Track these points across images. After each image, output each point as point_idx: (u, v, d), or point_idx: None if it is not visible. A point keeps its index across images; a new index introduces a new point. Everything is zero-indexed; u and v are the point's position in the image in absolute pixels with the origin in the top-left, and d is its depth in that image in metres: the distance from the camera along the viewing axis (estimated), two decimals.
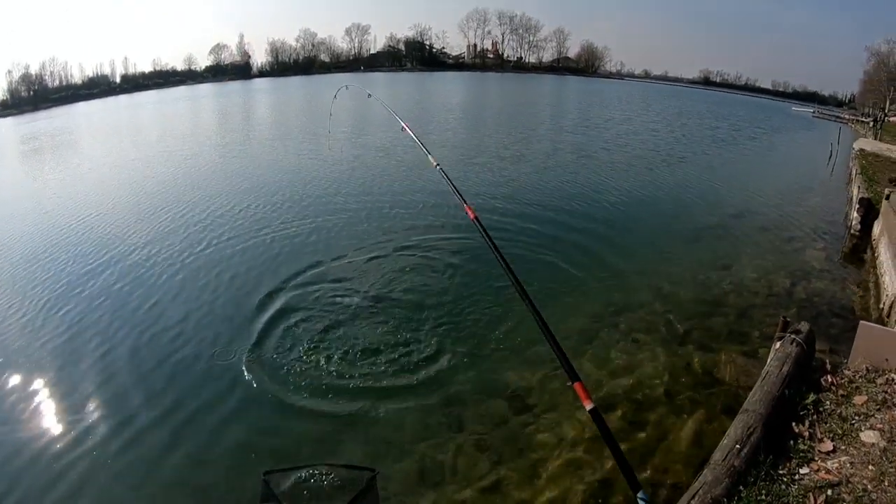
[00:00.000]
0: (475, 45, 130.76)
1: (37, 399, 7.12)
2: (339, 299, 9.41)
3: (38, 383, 7.44)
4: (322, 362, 7.51)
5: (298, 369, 7.35)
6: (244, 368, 7.43)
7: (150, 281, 10.59)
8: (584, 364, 7.52)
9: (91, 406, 6.92)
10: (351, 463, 5.49)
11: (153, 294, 10.01)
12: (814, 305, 9.60)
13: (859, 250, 12.74)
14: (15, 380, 7.59)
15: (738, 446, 4.38)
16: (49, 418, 6.76)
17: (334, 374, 7.26)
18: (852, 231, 13.70)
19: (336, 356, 7.64)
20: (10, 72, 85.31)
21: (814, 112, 69.77)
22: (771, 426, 4.75)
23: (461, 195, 4.57)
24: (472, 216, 4.26)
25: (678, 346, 8.01)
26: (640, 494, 2.70)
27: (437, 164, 5.33)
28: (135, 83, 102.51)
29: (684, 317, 8.87)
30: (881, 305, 9.44)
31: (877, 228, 12.51)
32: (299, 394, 6.87)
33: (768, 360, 6.00)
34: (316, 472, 5.31)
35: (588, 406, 3.09)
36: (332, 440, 6.07)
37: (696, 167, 23.60)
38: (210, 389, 7.13)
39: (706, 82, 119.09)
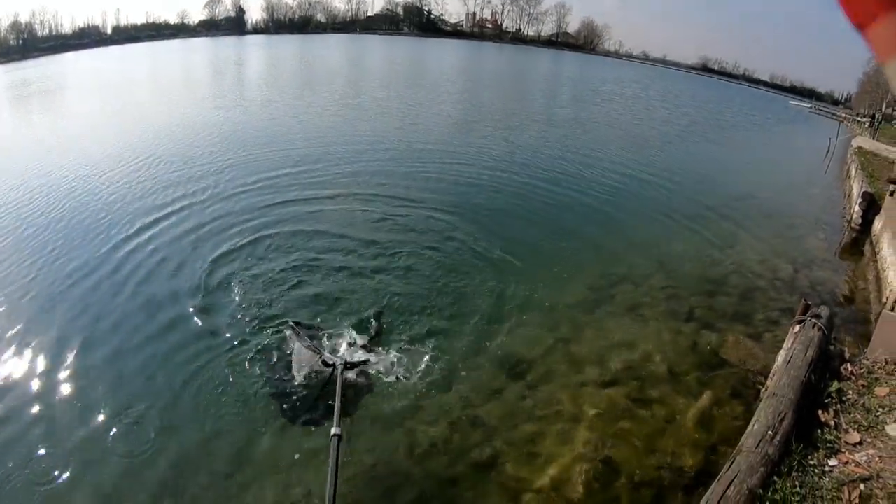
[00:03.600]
0: (474, 14, 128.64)
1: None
2: (326, 258, 8.94)
3: None
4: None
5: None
6: None
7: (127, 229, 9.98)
8: (586, 336, 7.15)
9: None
10: None
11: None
12: (817, 293, 9.31)
13: (859, 244, 12.52)
14: None
15: (770, 433, 4.03)
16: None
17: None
18: (853, 224, 13.47)
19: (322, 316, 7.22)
20: None
21: (811, 108, 69.98)
22: (799, 413, 4.44)
23: None
24: None
25: (683, 322, 7.65)
26: None
27: None
28: (126, 35, 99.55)
29: (688, 293, 8.53)
30: (883, 299, 9.19)
31: (878, 224, 12.31)
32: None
33: (789, 343, 5.68)
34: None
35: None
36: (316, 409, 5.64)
37: (699, 149, 23.42)
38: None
39: (704, 69, 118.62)
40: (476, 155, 16.83)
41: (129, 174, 13.43)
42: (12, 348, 6.43)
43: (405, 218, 10.78)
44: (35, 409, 5.46)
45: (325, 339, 6.52)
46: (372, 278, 8.28)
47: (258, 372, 5.94)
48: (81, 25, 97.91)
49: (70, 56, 73.38)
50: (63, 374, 6.02)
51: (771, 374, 5.60)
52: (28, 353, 6.37)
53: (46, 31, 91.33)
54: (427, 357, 6.40)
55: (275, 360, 6.15)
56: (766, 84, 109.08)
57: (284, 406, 5.52)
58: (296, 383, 5.77)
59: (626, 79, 67.64)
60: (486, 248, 9.65)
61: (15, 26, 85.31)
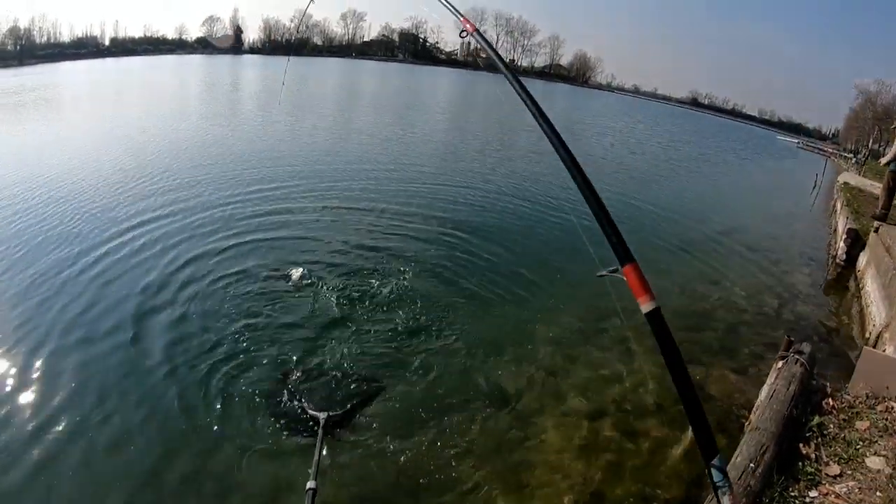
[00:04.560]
0: (468, 44, 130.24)
1: None
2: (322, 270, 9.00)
3: None
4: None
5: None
6: None
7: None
8: (571, 369, 7.25)
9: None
10: None
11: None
12: (801, 328, 9.46)
13: (843, 279, 12.74)
14: None
15: (752, 465, 4.14)
16: None
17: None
18: (838, 260, 13.69)
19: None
20: None
21: (799, 143, 71.10)
22: (780, 446, 4.56)
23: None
24: (470, 28, 3.74)
25: None
26: (714, 462, 2.20)
27: None
28: (123, 47, 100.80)
29: (675, 328, 8.50)
30: (867, 335, 9.37)
31: (863, 259, 12.54)
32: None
33: (772, 378, 5.81)
34: None
35: (646, 306, 2.37)
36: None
37: (684, 182, 23.71)
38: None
39: (694, 103, 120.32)
40: (466, 182, 17.06)
41: (116, 183, 13.91)
42: None
43: (386, 246, 10.78)
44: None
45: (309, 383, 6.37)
46: (354, 309, 8.22)
47: (233, 414, 5.83)
48: (80, 35, 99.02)
49: (67, 65, 73.85)
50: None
51: (754, 409, 5.72)
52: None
53: (45, 39, 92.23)
54: (411, 392, 6.45)
55: (252, 401, 6.04)
56: (754, 119, 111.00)
57: (259, 454, 5.36)
58: (273, 432, 5.65)
59: (617, 112, 68.50)
60: (474, 275, 9.74)
61: (13, 31, 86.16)
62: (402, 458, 5.41)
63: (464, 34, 3.84)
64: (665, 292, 10.11)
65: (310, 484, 4.34)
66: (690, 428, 2.35)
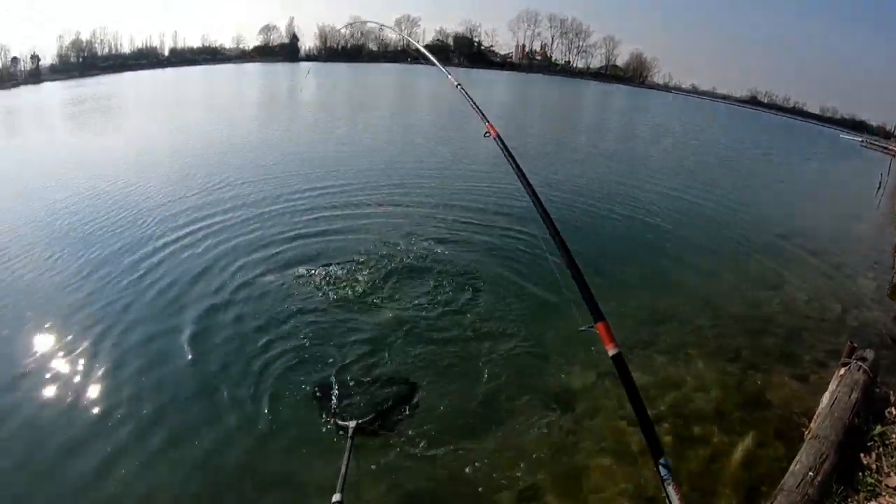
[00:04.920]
0: (523, 46, 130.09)
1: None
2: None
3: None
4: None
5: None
6: None
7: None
8: (633, 372, 7.27)
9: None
10: None
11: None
12: (864, 335, 9.18)
13: None
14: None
15: (811, 473, 4.16)
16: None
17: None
18: None
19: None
20: (60, 37, 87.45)
21: (862, 141, 68.60)
22: (841, 454, 4.54)
23: (482, 112, 4.68)
24: (493, 133, 4.34)
25: (729, 362, 7.71)
26: (661, 461, 2.75)
27: (458, 84, 5.57)
28: (182, 57, 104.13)
29: (735, 333, 8.56)
30: None
31: None
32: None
33: (833, 386, 5.77)
34: None
35: (611, 351, 3.02)
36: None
37: (744, 183, 23.25)
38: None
39: (753, 102, 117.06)
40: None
41: (177, 184, 15.10)
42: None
43: (443, 245, 11.14)
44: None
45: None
46: (406, 310, 8.50)
47: (259, 429, 5.98)
48: (140, 46, 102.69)
49: (128, 76, 76.67)
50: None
51: (815, 416, 5.68)
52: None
53: (106, 50, 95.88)
54: (461, 392, 6.67)
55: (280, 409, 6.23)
56: (816, 117, 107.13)
57: (282, 466, 5.49)
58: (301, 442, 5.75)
59: (676, 113, 67.31)
60: (533, 276, 9.83)
61: (76, 44, 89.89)
62: (449, 460, 5.62)
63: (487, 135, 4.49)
64: (724, 296, 10.06)
65: (335, 497, 4.35)
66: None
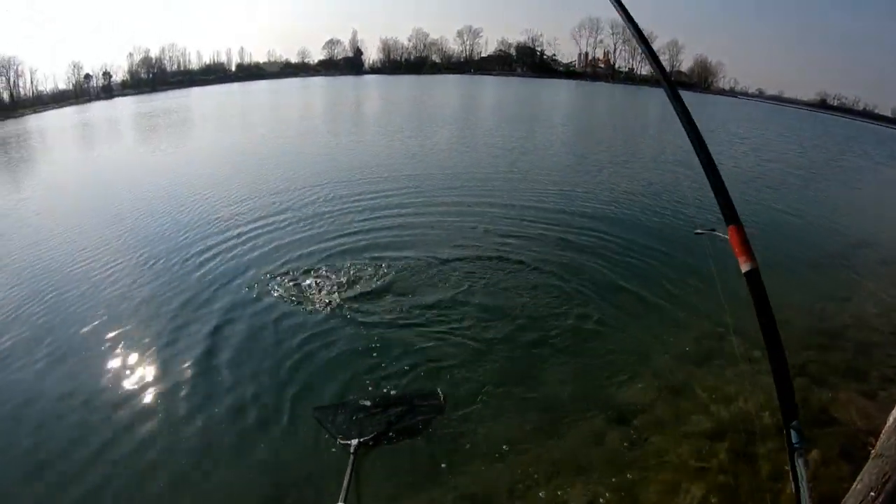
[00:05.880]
0: (586, 54, 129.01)
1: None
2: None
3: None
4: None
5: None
6: None
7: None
8: (694, 386, 7.28)
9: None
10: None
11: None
12: None
13: None
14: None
15: (872, 494, 4.12)
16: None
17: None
18: None
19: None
20: (131, 54, 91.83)
21: None
22: None
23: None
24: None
25: (794, 377, 7.57)
26: (793, 424, 2.35)
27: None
28: (249, 72, 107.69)
29: (801, 346, 8.38)
30: None
31: None
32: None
33: None
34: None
35: (745, 266, 2.47)
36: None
37: (816, 189, 22.53)
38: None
39: (823, 105, 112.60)
40: (595, 193, 17.21)
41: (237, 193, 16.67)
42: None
43: (501, 250, 11.68)
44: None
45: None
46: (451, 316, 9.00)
47: (267, 438, 6.31)
48: (207, 62, 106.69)
49: (196, 90, 79.68)
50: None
51: (881, 434, 5.57)
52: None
53: (175, 67, 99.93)
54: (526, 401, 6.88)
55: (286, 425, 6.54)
56: (888, 120, 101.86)
57: (289, 473, 5.76)
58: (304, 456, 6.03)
59: (744, 118, 65.41)
60: (593, 284, 10.17)
61: (146, 61, 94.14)
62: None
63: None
64: (792, 307, 9.78)
65: None
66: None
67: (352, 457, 5.64)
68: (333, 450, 6.00)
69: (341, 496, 4.91)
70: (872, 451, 5.40)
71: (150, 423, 6.52)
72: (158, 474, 5.77)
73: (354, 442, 5.87)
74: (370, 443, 6.01)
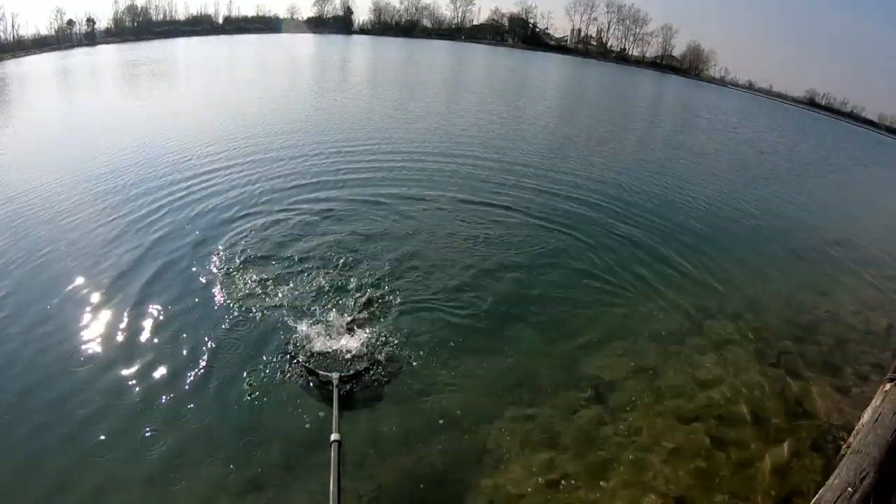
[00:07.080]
0: (579, 30, 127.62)
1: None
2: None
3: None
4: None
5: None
6: None
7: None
8: (672, 367, 7.25)
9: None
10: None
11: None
12: None
13: None
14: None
15: (850, 489, 4.10)
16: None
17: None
18: None
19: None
20: (116, 1, 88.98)
21: None
22: (881, 473, 4.45)
23: None
24: None
25: (770, 366, 7.58)
26: None
27: None
28: (237, 26, 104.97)
29: (778, 337, 8.39)
30: None
31: None
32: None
33: (877, 401, 5.64)
34: None
35: None
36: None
37: (799, 187, 22.63)
38: None
39: (811, 103, 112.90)
40: (580, 174, 16.98)
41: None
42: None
43: (498, 222, 11.56)
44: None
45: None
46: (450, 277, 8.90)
47: (255, 382, 6.19)
48: (194, 13, 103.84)
49: (181, 41, 77.89)
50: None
51: (855, 431, 5.58)
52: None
53: (161, 16, 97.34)
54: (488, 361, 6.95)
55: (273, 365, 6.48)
56: (873, 124, 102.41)
57: (280, 416, 5.74)
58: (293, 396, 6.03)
59: (733, 109, 65.55)
60: (579, 261, 10.14)
61: (131, 9, 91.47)
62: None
63: None
64: (772, 299, 9.86)
65: (333, 436, 4.76)
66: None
67: (335, 391, 5.69)
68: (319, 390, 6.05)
69: (333, 428, 4.96)
70: (847, 447, 5.41)
71: (145, 373, 6.24)
72: (153, 416, 5.64)
73: (335, 375, 5.93)
74: (353, 381, 6.10)
